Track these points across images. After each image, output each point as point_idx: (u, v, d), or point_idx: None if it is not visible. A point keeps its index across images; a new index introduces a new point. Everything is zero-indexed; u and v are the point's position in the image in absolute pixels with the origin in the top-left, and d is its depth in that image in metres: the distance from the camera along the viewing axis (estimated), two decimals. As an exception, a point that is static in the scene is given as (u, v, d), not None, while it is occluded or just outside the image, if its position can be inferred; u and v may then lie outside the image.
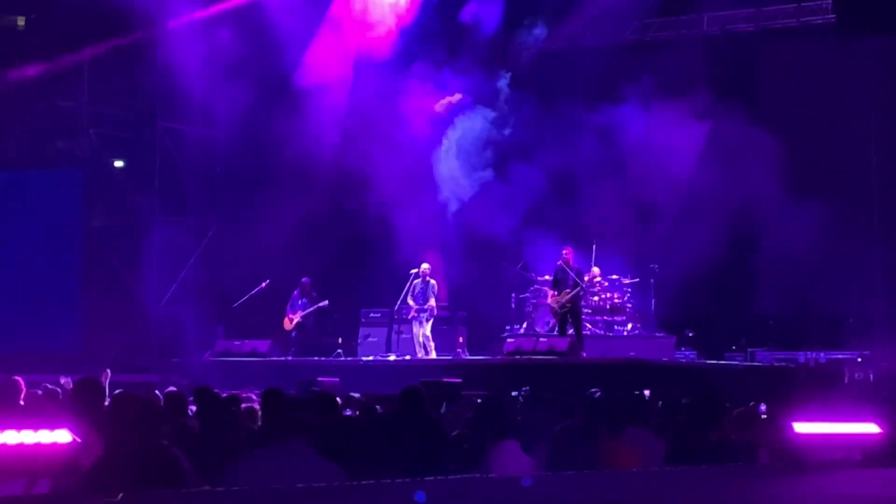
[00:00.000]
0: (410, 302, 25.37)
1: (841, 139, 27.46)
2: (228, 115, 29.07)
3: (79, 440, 6.59)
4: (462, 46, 28.19)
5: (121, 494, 5.64)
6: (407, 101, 27.88)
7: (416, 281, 25.46)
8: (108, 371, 18.15)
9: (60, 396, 13.05)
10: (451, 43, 28.17)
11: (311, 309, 26.39)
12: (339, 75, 28.17)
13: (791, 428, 10.73)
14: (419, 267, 25.55)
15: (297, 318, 26.36)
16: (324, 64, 28.01)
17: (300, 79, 27.82)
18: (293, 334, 26.41)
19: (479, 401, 13.43)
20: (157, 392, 13.88)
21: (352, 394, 15.48)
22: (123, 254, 28.59)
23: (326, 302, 26.41)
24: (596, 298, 26.76)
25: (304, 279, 26.53)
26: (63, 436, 6.71)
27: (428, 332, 25.29)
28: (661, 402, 13.69)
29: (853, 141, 27.51)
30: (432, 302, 25.30)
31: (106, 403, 9.96)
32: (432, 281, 25.45)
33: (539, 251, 27.18)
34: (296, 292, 26.59)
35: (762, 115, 27.85)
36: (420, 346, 25.28)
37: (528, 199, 27.46)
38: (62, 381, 15.79)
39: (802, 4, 27.68)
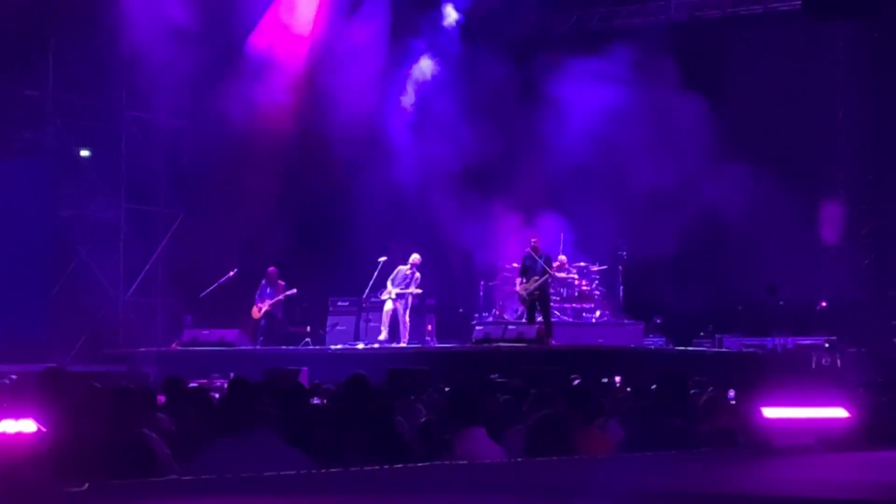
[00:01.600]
0: (390, 286, 25.32)
1: (808, 125, 27.58)
2: (194, 102, 28.97)
3: (44, 430, 6.55)
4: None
5: (86, 484, 5.60)
6: (361, 71, 27.83)
7: (403, 268, 25.41)
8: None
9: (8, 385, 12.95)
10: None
11: (279, 297, 26.34)
12: (294, 51, 28.11)
13: (759, 413, 10.78)
14: (409, 259, 25.49)
15: (265, 307, 26.31)
16: (280, 40, 27.95)
17: (254, 55, 27.72)
18: (261, 323, 26.36)
19: (446, 389, 13.41)
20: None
21: (320, 382, 15.44)
22: (90, 243, 28.45)
23: (294, 290, 26.37)
24: (570, 287, 26.79)
25: (270, 268, 26.49)
26: (28, 425, 6.66)
27: (407, 319, 25.28)
28: (629, 389, 13.73)
29: (820, 127, 27.63)
30: (415, 289, 25.26)
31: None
32: (418, 273, 25.40)
33: (506, 238, 27.22)
34: (263, 281, 26.56)
35: (730, 102, 27.94)
36: (387, 324, 25.22)
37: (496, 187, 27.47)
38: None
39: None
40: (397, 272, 25.48)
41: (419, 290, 25.37)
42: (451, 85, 28.06)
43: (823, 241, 27.37)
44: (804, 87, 27.50)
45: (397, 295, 25.29)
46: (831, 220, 27.27)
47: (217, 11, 27.15)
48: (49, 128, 28.48)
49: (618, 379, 17.24)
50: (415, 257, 25.49)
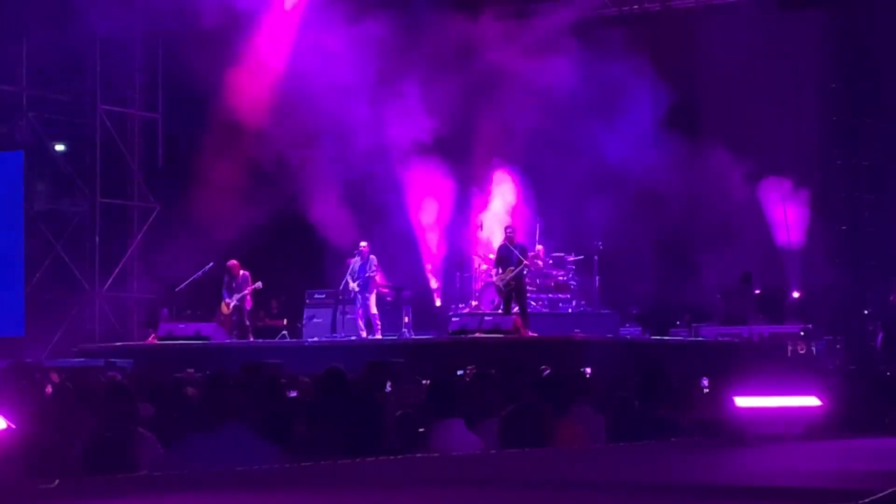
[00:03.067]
0: (351, 280, 25.24)
1: (782, 115, 27.66)
2: (167, 95, 28.93)
3: (14, 426, 6.54)
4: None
5: (56, 481, 5.59)
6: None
7: (355, 259, 25.32)
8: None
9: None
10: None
11: (245, 292, 25.91)
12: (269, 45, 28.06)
13: (732, 402, 10.82)
14: (358, 248, 25.42)
15: (233, 302, 25.93)
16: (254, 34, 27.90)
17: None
18: (233, 318, 26.09)
19: (424, 382, 13.43)
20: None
21: (298, 376, 15.43)
22: (66, 238, 28.40)
23: (259, 284, 25.98)
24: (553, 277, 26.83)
25: (230, 262, 25.96)
26: (-1, 422, 6.65)
27: (374, 310, 25.19)
28: (605, 379, 13.75)
29: (793, 116, 27.72)
30: (373, 271, 25.06)
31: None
32: (372, 256, 25.27)
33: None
34: (226, 277, 26.03)
35: (703, 92, 28.01)
36: (363, 325, 25.19)
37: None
38: None
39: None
40: (352, 266, 25.31)
41: (374, 273, 25.15)
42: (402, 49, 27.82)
43: (789, 243, 27.54)
44: (776, 76, 27.57)
45: (359, 287, 25.17)
46: (794, 223, 27.48)
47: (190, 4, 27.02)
48: (22, 122, 28.40)
49: (587, 370, 17.23)
50: (362, 244, 25.36)
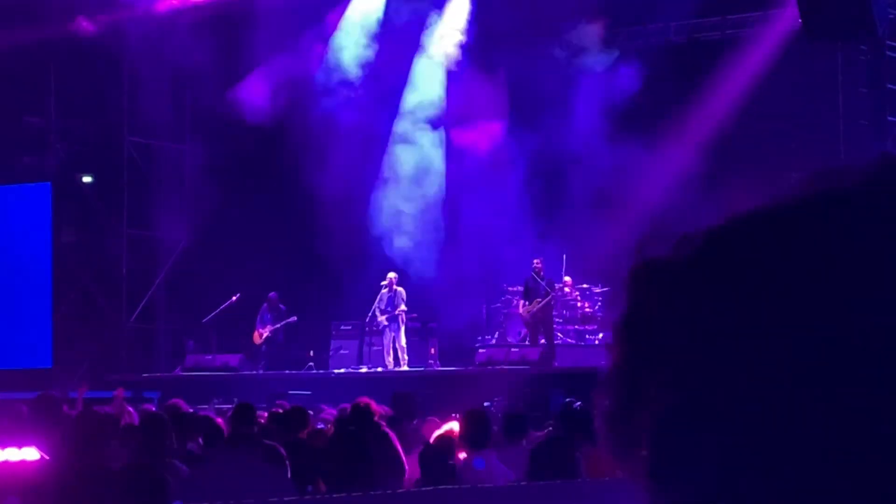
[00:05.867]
0: (378, 312, 25.29)
1: (809, 146, 27.54)
2: (195, 127, 29.05)
3: (47, 457, 6.54)
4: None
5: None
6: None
7: (383, 291, 25.39)
8: (86, 385, 18.01)
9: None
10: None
11: (280, 325, 26.26)
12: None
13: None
14: (386, 278, 25.50)
15: (266, 333, 26.24)
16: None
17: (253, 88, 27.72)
18: (263, 348, 26.29)
19: (454, 415, 13.40)
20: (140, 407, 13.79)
21: (323, 406, 15.43)
22: (93, 269, 28.49)
23: (295, 318, 26.26)
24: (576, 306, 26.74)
25: (271, 294, 26.42)
26: (31, 453, 6.65)
27: (403, 343, 25.22)
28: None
29: (820, 147, 27.60)
30: (402, 307, 25.22)
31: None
32: (399, 289, 25.38)
33: (511, 260, 27.16)
34: (264, 306, 26.51)
35: (727, 124, 27.93)
36: (390, 355, 25.20)
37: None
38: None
39: (769, 12, 27.73)
40: (380, 297, 25.43)
41: (404, 308, 25.26)
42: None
43: None
44: (804, 106, 27.47)
45: (387, 320, 25.25)
46: None
47: (220, 43, 27.16)
48: (51, 154, 28.55)
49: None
50: (391, 275, 25.47)
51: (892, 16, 24.35)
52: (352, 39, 28.22)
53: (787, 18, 25.68)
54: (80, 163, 28.82)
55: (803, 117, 26.61)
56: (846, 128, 26.98)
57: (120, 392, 16.48)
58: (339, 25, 28.38)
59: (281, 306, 26.38)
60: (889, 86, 26.19)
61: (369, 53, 28.24)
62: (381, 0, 28.30)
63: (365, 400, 11.45)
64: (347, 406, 12.23)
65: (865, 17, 22.45)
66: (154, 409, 14.49)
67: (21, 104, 28.13)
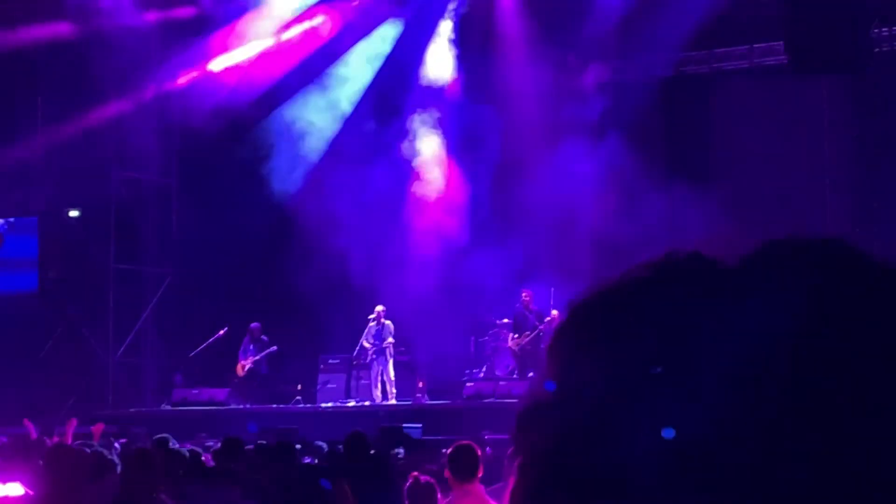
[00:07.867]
0: (366, 344, 25.23)
1: (794, 180, 27.57)
2: (182, 163, 29.06)
3: (31, 493, 6.51)
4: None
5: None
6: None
7: (371, 324, 25.35)
8: (74, 420, 17.89)
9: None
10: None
11: (261, 355, 26.11)
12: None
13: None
14: (374, 311, 25.45)
15: (248, 364, 26.09)
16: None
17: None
18: (247, 381, 26.15)
19: (444, 451, 13.35)
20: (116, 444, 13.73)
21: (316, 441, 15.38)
22: (80, 304, 28.42)
23: (276, 347, 26.14)
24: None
25: (252, 324, 26.25)
26: (15, 489, 6.62)
27: (391, 375, 25.17)
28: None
29: (806, 180, 27.64)
30: (390, 339, 25.17)
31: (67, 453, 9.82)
32: (387, 321, 25.34)
33: (498, 293, 27.13)
34: (246, 338, 26.31)
35: (715, 156, 27.98)
36: (378, 388, 25.13)
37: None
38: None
39: (754, 46, 27.84)
40: (367, 329, 25.39)
41: (392, 341, 25.22)
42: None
43: None
44: (790, 140, 27.52)
45: (375, 353, 25.20)
46: None
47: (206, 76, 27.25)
48: (38, 188, 28.51)
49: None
50: (378, 308, 25.43)
51: (877, 49, 24.46)
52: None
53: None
54: (66, 197, 28.77)
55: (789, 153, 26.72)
56: (830, 161, 27.09)
57: (99, 427, 16.40)
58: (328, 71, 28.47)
59: (263, 337, 26.20)
60: (873, 118, 26.30)
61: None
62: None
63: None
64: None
65: (852, 50, 22.56)
66: (142, 444, 14.40)
67: (8, 139, 28.09)
